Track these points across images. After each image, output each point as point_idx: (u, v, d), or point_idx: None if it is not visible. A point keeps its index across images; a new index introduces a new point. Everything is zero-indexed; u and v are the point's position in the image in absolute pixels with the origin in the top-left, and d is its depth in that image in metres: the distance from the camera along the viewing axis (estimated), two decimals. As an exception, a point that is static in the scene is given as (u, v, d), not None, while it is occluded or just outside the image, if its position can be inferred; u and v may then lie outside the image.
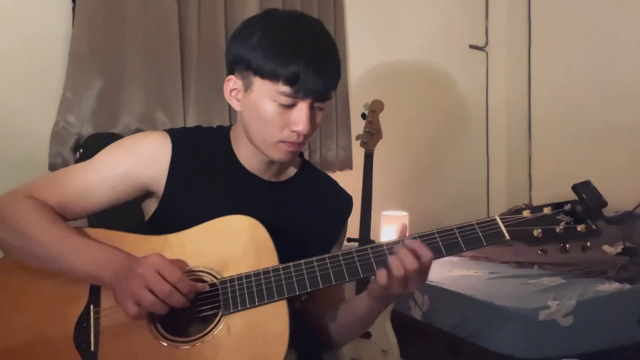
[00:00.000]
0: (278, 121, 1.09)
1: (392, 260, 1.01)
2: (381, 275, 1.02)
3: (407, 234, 1.06)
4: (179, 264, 1.06)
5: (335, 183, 1.34)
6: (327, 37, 1.13)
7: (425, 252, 1.01)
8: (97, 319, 1.04)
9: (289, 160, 1.19)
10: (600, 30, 3.09)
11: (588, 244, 1.03)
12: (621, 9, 3.00)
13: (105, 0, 2.31)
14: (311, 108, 1.10)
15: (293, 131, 1.10)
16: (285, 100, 1.08)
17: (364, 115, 2.40)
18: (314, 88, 1.07)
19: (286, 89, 1.07)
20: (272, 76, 1.07)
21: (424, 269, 1.02)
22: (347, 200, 1.32)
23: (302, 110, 1.09)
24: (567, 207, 1.04)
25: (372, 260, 1.05)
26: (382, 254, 1.05)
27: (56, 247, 1.05)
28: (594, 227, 1.03)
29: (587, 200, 1.02)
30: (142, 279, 0.98)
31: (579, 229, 1.03)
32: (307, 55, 1.06)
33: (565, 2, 3.29)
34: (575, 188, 1.04)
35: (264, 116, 1.09)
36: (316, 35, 1.12)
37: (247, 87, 1.12)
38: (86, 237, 1.08)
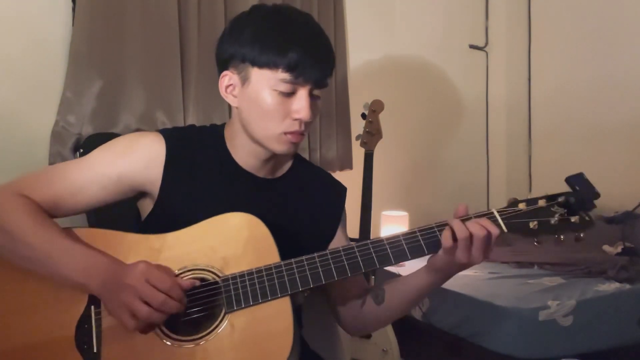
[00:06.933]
0: (279, 111, 1.09)
1: (455, 223, 1.02)
2: (446, 238, 1.02)
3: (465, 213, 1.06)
4: (167, 268, 1.03)
5: (328, 175, 1.34)
6: (318, 26, 1.15)
7: (486, 221, 1.02)
8: (98, 319, 1.03)
9: (291, 153, 1.18)
10: (600, 29, 3.09)
11: (582, 235, 1.04)
12: (621, 9, 3.00)
13: (105, 0, 2.31)
14: (311, 96, 1.11)
15: (295, 119, 1.10)
16: (285, 87, 1.08)
17: (364, 115, 2.40)
18: (313, 74, 1.08)
19: (286, 75, 1.07)
20: (271, 64, 1.07)
21: (487, 237, 1.01)
22: (341, 190, 1.32)
23: (302, 97, 1.09)
24: (561, 199, 1.06)
25: (374, 255, 1.06)
26: (383, 248, 1.06)
27: (44, 250, 1.03)
28: (587, 217, 1.04)
29: (580, 191, 1.04)
30: (133, 291, 0.97)
31: (572, 220, 1.04)
32: (304, 42, 1.08)
33: (565, 2, 3.29)
34: (568, 180, 1.06)
35: (265, 107, 1.10)
36: (309, 24, 1.13)
37: (245, 81, 1.11)
38: (74, 241, 1.05)
